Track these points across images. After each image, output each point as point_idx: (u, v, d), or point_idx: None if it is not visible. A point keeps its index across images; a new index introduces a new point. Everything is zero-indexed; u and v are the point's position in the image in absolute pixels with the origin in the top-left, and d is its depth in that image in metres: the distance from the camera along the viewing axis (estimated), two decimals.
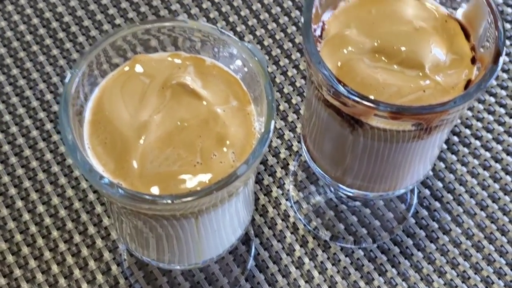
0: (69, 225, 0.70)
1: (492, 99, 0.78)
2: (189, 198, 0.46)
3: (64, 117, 0.48)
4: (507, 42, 0.81)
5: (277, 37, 0.81)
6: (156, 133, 0.50)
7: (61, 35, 0.80)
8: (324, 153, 0.61)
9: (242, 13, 0.82)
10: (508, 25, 0.82)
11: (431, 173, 0.74)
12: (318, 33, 0.55)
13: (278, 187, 0.74)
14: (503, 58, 0.51)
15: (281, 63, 0.79)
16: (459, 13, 0.56)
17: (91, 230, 0.70)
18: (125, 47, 0.52)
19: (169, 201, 0.45)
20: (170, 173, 0.49)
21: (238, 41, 0.51)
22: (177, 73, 0.52)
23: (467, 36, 0.56)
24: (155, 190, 0.48)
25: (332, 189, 0.73)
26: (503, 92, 0.78)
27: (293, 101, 0.77)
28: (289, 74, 0.79)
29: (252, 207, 0.60)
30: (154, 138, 0.50)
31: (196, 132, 0.50)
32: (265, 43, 0.80)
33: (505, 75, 0.79)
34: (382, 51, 0.54)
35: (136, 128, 0.50)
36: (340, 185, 0.63)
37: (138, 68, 0.53)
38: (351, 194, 0.63)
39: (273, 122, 0.49)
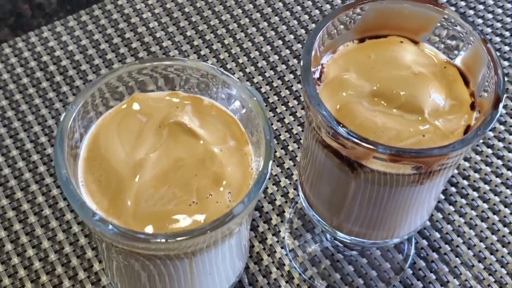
0: (59, 269, 0.69)
1: (490, 151, 0.78)
2: (183, 238, 0.45)
3: (59, 152, 0.48)
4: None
5: (274, 84, 0.81)
6: (152, 171, 0.49)
7: (58, 78, 0.80)
8: (321, 198, 0.60)
9: (240, 60, 0.82)
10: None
11: (428, 223, 0.73)
12: (317, 75, 0.55)
13: (273, 235, 0.73)
14: (502, 104, 0.51)
15: (278, 110, 0.79)
16: (458, 60, 0.56)
17: (81, 275, 0.69)
18: (121, 87, 0.52)
19: (163, 240, 0.44)
20: (164, 213, 0.48)
21: (237, 81, 0.51)
22: (175, 112, 0.52)
23: (466, 82, 0.55)
24: (149, 229, 0.47)
25: (328, 237, 0.72)
26: (500, 144, 0.78)
27: (290, 147, 0.77)
28: (286, 121, 0.79)
29: (247, 253, 0.58)
30: (150, 176, 0.49)
31: (192, 171, 0.50)
32: (262, 89, 0.80)
33: (502, 127, 0.79)
34: (381, 95, 0.54)
35: (132, 167, 0.49)
36: (338, 232, 0.62)
37: (136, 107, 0.52)
38: (348, 242, 0.62)
39: (271, 162, 0.48)
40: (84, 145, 0.51)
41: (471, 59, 0.55)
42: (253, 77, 0.81)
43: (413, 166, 0.50)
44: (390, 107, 0.53)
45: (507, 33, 0.85)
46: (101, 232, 0.46)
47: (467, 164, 0.77)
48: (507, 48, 0.84)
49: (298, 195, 0.72)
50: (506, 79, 0.79)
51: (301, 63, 0.52)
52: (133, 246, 0.46)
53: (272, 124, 0.78)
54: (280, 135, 0.78)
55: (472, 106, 0.54)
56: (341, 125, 0.50)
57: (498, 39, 0.85)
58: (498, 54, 0.83)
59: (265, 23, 0.85)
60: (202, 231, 0.45)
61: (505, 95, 0.51)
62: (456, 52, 0.56)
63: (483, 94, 0.54)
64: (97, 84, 0.50)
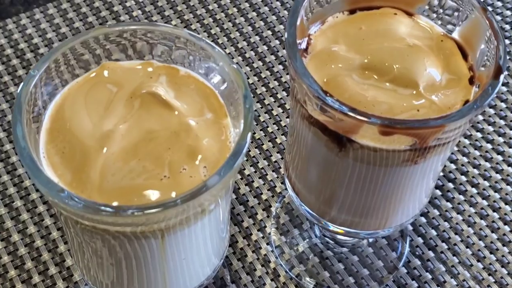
0: (29, 264, 0.64)
1: (489, 146, 0.73)
2: (151, 210, 0.40)
3: (17, 121, 0.43)
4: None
5: (263, 75, 0.77)
6: (121, 143, 0.45)
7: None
8: (308, 183, 0.55)
9: (227, 50, 0.78)
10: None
11: (424, 220, 0.69)
12: (303, 46, 0.51)
13: (258, 230, 0.68)
14: (503, 75, 0.47)
15: (266, 101, 0.75)
16: (456, 33, 0.52)
17: (52, 270, 0.64)
18: (88, 54, 0.48)
19: (129, 213, 0.40)
20: (133, 187, 0.44)
21: (215, 46, 0.47)
22: (148, 83, 0.48)
23: (464, 56, 0.51)
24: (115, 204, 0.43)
25: (317, 233, 0.67)
26: (500, 139, 0.74)
27: (278, 140, 0.73)
28: (274, 112, 0.74)
29: (226, 243, 0.54)
30: (118, 149, 0.45)
31: (165, 144, 0.45)
32: (250, 80, 0.76)
33: (502, 122, 0.75)
34: (373, 68, 0.49)
35: (99, 138, 0.45)
36: (325, 221, 0.57)
37: (105, 76, 0.48)
38: (337, 230, 0.57)
39: (250, 134, 0.44)
40: (47, 115, 0.46)
41: (469, 31, 0.51)
42: (241, 67, 0.77)
43: (407, 140, 0.46)
44: (382, 81, 0.49)
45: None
46: (62, 205, 0.41)
47: (465, 159, 0.73)
48: (508, 12, 0.82)
49: (286, 189, 0.67)
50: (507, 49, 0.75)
51: (286, 32, 0.48)
52: (97, 221, 0.42)
53: (259, 115, 0.74)
54: (267, 127, 0.74)
55: (471, 81, 0.50)
56: (328, 94, 0.45)
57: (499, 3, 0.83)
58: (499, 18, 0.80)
59: (254, 13, 0.81)
60: (173, 203, 0.40)
61: (507, 65, 0.46)
62: (453, 24, 0.52)
63: (483, 68, 0.49)
64: (61, 49, 0.46)
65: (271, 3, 0.82)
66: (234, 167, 0.42)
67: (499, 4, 0.83)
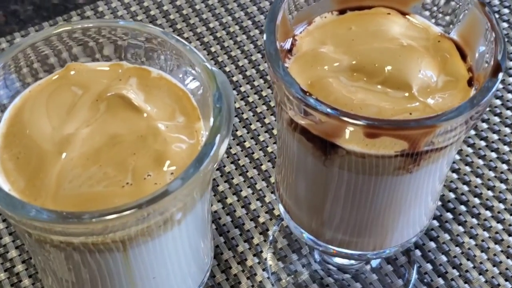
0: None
1: (505, 166, 0.68)
2: (106, 217, 0.37)
3: None
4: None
5: (256, 83, 0.73)
6: (82, 148, 0.41)
7: None
8: (298, 198, 0.51)
9: (219, 59, 0.75)
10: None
11: (433, 245, 0.64)
12: (287, 47, 0.47)
13: (254, 255, 0.64)
14: (502, 73, 0.42)
15: (267, 120, 0.71)
16: (454, 32, 0.48)
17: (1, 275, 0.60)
18: (52, 57, 0.44)
19: (74, 220, 0.36)
20: (91, 195, 0.40)
21: (187, 44, 0.43)
22: (117, 85, 0.44)
23: (463, 57, 0.47)
24: None
25: (317, 257, 0.63)
26: (506, 148, 0.69)
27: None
28: (275, 132, 0.70)
29: (209, 256, 0.49)
30: (78, 154, 0.41)
31: (130, 149, 0.42)
32: (242, 89, 0.73)
33: (508, 130, 0.70)
34: (362, 70, 0.45)
35: (57, 142, 0.42)
36: (319, 242, 0.53)
37: (71, 78, 0.45)
38: (333, 251, 0.52)
39: (219, 135, 0.40)
40: (4, 119, 0.43)
41: (468, 29, 0.47)
42: (241, 86, 0.73)
43: (396, 145, 0.42)
44: (372, 83, 0.45)
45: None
46: (9, 214, 0.37)
47: (479, 180, 0.67)
48: (506, 10, 0.78)
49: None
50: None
51: (264, 29, 0.45)
52: (44, 230, 0.38)
53: (259, 135, 0.70)
54: (267, 146, 0.70)
55: (470, 83, 0.46)
56: (308, 94, 0.41)
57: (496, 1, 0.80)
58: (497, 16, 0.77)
59: (235, 4, 0.78)
60: (129, 209, 0.36)
61: (506, 63, 0.42)
62: (451, 23, 0.48)
63: (482, 68, 0.45)
64: (21, 45, 0.43)
65: (260, 2, 0.79)
66: (200, 171, 0.38)
67: (496, 2, 0.79)
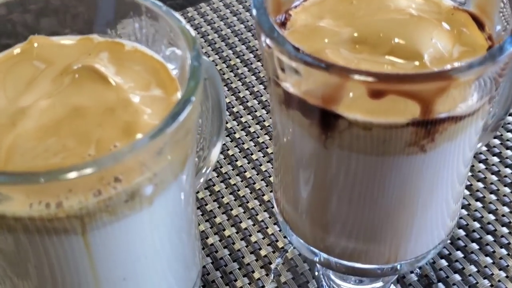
0: None
1: None
2: (50, 176, 0.30)
3: None
4: None
5: (255, 89, 0.68)
6: (39, 121, 0.36)
7: None
8: (297, 199, 0.44)
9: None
10: None
11: (458, 277, 0.56)
12: (280, 20, 0.42)
13: None
14: None
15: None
16: (469, 3, 0.42)
17: None
18: (14, 21, 0.39)
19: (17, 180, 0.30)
20: (46, 168, 0.33)
21: (162, 5, 0.38)
22: (86, 59, 0.39)
23: (481, 26, 0.41)
24: None
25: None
26: None
27: None
28: None
29: (196, 266, 0.43)
30: (34, 126, 0.35)
31: (95, 121, 0.36)
32: (241, 94, 0.67)
33: None
34: (365, 41, 0.40)
35: (11, 114, 0.36)
36: (324, 255, 0.45)
37: (34, 52, 0.39)
38: (340, 266, 0.45)
39: (197, 93, 0.34)
40: None
41: None
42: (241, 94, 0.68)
43: (406, 108, 0.35)
44: (378, 54, 0.39)
45: None
46: None
47: (493, 196, 0.61)
48: None
49: (289, 242, 0.56)
50: None
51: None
52: None
53: (261, 164, 0.64)
54: (269, 176, 0.63)
55: None
56: (300, 51, 0.36)
57: None
58: None
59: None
60: (83, 167, 0.30)
61: None
62: None
63: (503, 32, 0.39)
64: None
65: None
66: (170, 129, 0.32)
67: None
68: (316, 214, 0.44)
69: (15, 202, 0.32)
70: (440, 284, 0.56)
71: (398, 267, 0.45)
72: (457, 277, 0.57)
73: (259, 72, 0.72)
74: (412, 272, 0.57)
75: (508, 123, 0.68)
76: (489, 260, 0.58)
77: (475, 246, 0.59)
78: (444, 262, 0.57)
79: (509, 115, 0.67)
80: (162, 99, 0.37)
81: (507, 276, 0.56)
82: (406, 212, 0.42)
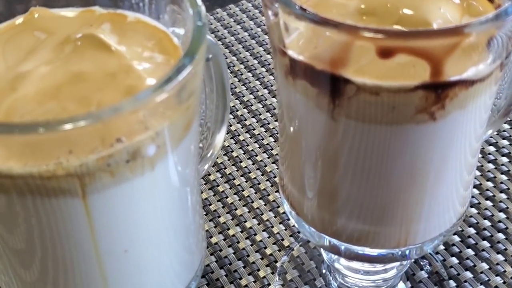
0: None
1: None
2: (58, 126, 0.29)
3: None
4: None
5: (260, 93, 0.66)
6: (39, 85, 0.35)
7: None
8: (303, 181, 0.43)
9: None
10: None
11: (469, 275, 0.54)
12: None
13: None
14: None
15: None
16: None
17: None
18: None
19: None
20: None
21: None
22: (87, 29, 0.38)
23: None
24: None
25: (335, 285, 0.53)
26: None
27: None
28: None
29: (200, 249, 0.41)
30: (34, 90, 0.35)
31: (96, 86, 0.35)
32: (245, 98, 0.66)
33: None
34: (372, 12, 0.39)
35: (11, 79, 0.35)
36: (332, 240, 0.44)
37: (35, 22, 0.39)
38: (348, 251, 0.44)
39: (201, 44, 0.33)
40: None
41: None
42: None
43: (415, 69, 0.34)
44: (385, 24, 0.38)
45: None
46: None
47: (503, 195, 0.59)
48: None
49: (296, 241, 0.55)
50: None
51: None
52: None
53: (266, 165, 0.63)
54: (274, 177, 0.62)
55: None
56: (307, 11, 0.35)
57: None
58: None
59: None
60: (84, 118, 0.29)
61: None
62: None
63: None
64: None
65: None
66: (169, 86, 0.31)
67: None
68: (323, 195, 0.43)
69: (13, 160, 0.31)
70: (451, 282, 0.54)
71: (407, 252, 0.44)
72: (469, 274, 0.55)
73: (263, 77, 0.72)
74: (422, 269, 0.55)
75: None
76: (501, 257, 0.56)
77: (486, 244, 0.57)
78: (455, 260, 0.56)
79: None
80: (165, 66, 0.37)
81: None
82: (416, 188, 0.40)
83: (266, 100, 0.69)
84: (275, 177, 0.62)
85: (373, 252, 0.44)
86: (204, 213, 0.60)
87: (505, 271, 0.55)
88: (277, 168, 0.63)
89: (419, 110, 0.36)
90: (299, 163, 0.43)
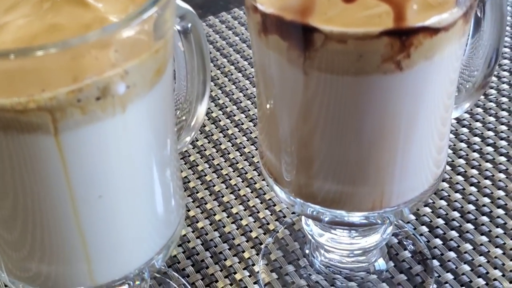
0: None
1: None
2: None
3: None
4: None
5: (249, 91, 0.67)
6: (16, 34, 0.36)
7: None
8: (279, 144, 0.44)
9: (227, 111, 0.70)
10: None
11: (454, 254, 0.55)
12: None
13: (244, 269, 0.55)
14: None
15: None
16: None
17: None
18: None
19: None
20: None
21: None
22: None
23: None
24: None
25: (317, 265, 0.54)
26: None
27: None
28: None
29: (179, 204, 0.42)
30: (11, 39, 0.36)
31: (71, 35, 0.36)
32: (243, 104, 0.67)
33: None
34: None
35: None
36: (309, 204, 0.45)
37: None
38: (324, 215, 0.44)
39: None
40: None
41: None
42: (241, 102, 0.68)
43: (379, 13, 0.36)
44: None
45: None
46: None
47: (502, 192, 0.60)
48: None
49: (281, 224, 0.56)
50: None
51: None
52: None
53: (252, 155, 0.63)
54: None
55: None
56: None
57: None
58: None
59: None
60: (47, 46, 0.30)
61: None
62: None
63: None
64: None
65: None
66: (141, 18, 0.33)
67: None
68: (298, 156, 0.43)
69: None
70: (434, 261, 0.55)
71: (387, 213, 0.44)
72: (452, 254, 0.55)
73: (252, 77, 0.73)
74: (406, 249, 0.56)
75: (502, 117, 0.67)
76: (485, 238, 0.56)
77: (470, 226, 0.57)
78: (438, 241, 0.56)
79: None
80: None
81: (504, 253, 0.55)
82: (388, 145, 0.41)
83: (255, 97, 0.70)
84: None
85: (350, 215, 0.45)
86: (192, 200, 0.60)
87: (489, 251, 0.55)
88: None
89: (385, 58, 0.37)
90: (275, 125, 0.44)
